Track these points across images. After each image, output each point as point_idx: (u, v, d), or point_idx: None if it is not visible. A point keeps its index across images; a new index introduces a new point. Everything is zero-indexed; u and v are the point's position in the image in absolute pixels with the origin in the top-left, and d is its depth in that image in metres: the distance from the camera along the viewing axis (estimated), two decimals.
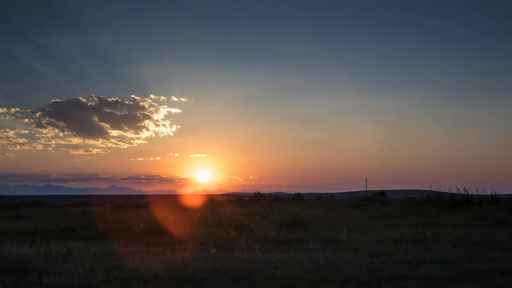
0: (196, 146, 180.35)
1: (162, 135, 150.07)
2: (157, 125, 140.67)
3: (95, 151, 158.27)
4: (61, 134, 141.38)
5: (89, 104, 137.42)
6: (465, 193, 20.69)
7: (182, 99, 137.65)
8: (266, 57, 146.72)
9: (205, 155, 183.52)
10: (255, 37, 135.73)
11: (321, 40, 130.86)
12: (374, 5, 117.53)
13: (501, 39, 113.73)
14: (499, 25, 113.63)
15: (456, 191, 21.20)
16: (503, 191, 22.03)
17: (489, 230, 10.94)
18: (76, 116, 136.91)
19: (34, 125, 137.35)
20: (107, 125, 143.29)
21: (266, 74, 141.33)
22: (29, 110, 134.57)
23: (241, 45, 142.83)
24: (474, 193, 20.72)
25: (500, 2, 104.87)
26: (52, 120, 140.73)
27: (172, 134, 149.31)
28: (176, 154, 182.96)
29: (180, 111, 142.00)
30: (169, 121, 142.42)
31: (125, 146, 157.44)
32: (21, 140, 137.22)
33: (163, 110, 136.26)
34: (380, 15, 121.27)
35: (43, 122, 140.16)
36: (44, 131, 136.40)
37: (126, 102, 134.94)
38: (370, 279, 5.75)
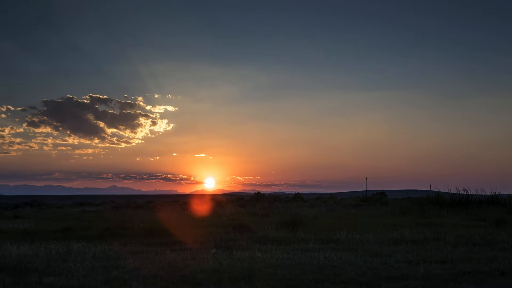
0: (195, 145, 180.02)
1: (160, 134, 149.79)
2: (154, 124, 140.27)
3: (94, 150, 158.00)
4: (55, 133, 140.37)
5: (83, 102, 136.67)
6: (465, 193, 20.72)
7: (178, 97, 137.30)
8: (263, 54, 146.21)
9: (203, 155, 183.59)
10: (252, 34, 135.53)
11: (321, 36, 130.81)
12: (369, 3, 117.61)
13: (501, 35, 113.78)
14: (497, 22, 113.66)
15: (456, 191, 21.21)
16: (503, 191, 22.04)
17: (489, 230, 10.93)
18: (71, 115, 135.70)
19: (26, 123, 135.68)
20: (103, 124, 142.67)
21: (263, 70, 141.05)
22: (19, 108, 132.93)
23: (237, 41, 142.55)
24: (474, 193, 20.75)
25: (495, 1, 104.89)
26: (45, 118, 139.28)
27: (169, 133, 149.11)
28: (174, 154, 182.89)
29: (176, 109, 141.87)
30: (166, 120, 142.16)
31: (123, 146, 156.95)
32: (17, 140, 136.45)
33: (160, 109, 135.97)
34: (377, 14, 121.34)
35: (35, 120, 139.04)
36: (38, 130, 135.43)
37: (121, 101, 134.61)
38: (370, 279, 5.75)
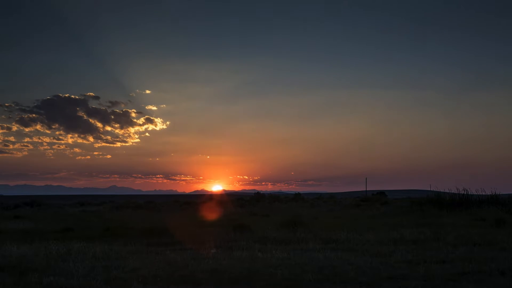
0: (194, 144, 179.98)
1: (156, 133, 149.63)
2: (149, 122, 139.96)
3: (90, 150, 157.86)
4: (48, 131, 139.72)
5: (73, 100, 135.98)
6: (465, 193, 20.70)
7: (174, 95, 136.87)
8: (259, 50, 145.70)
9: (202, 155, 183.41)
10: (247, 30, 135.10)
11: (321, 34, 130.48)
12: (366, 2, 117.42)
13: (501, 33, 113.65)
14: (498, 18, 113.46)
15: (456, 191, 21.21)
16: (503, 191, 22.05)
17: (489, 230, 10.93)
18: (62, 113, 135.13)
19: (15, 121, 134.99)
20: (96, 122, 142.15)
21: (260, 67, 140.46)
22: (7, 104, 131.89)
23: (231, 38, 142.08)
24: (474, 193, 20.76)
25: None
26: (35, 116, 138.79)
27: (166, 132, 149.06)
28: (172, 154, 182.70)
29: (171, 106, 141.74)
30: (161, 119, 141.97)
31: (119, 145, 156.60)
32: (12, 139, 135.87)
33: (153, 107, 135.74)
34: (373, 13, 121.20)
35: (25, 117, 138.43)
36: (32, 129, 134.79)
37: (113, 100, 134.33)
38: (370, 279, 5.75)
